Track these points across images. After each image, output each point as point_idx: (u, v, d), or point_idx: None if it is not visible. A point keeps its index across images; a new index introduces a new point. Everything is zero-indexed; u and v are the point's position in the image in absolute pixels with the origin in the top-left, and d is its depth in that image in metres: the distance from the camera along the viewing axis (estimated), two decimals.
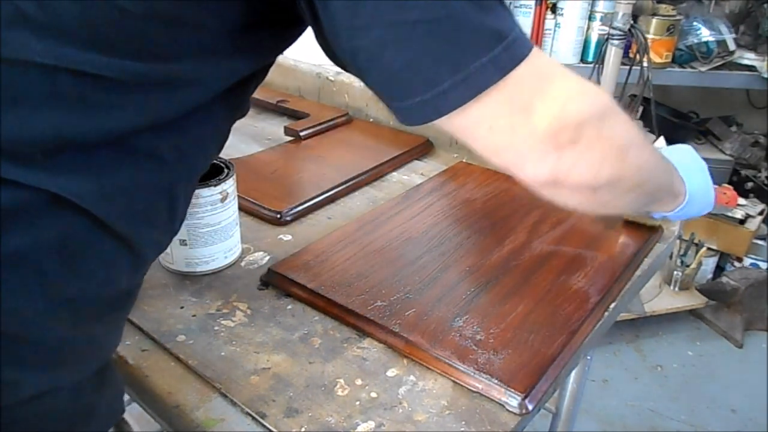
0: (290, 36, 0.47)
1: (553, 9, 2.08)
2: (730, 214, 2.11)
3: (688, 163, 0.64)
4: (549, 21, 2.08)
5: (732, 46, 2.16)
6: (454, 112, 0.41)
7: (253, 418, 0.51)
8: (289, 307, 0.64)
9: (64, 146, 0.38)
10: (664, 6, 2.09)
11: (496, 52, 0.39)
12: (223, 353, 0.58)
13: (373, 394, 0.54)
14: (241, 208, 0.75)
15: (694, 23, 2.14)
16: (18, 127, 0.36)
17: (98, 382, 0.46)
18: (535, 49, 0.42)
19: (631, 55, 1.92)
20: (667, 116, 2.39)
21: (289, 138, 1.04)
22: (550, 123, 0.42)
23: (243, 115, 0.51)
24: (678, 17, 2.08)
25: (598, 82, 1.77)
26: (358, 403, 0.53)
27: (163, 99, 0.40)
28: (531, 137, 0.43)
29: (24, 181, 0.37)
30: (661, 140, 1.28)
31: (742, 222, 2.11)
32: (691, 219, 0.73)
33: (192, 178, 0.49)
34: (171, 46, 0.39)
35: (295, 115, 1.13)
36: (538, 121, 0.42)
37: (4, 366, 0.37)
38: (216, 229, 0.67)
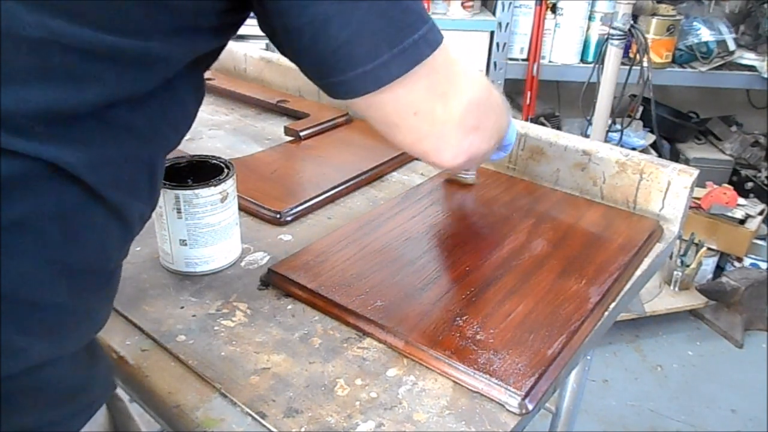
0: (244, 18, 0.50)
1: (553, 9, 2.08)
2: (730, 214, 2.11)
3: None
4: (549, 21, 2.08)
5: (732, 46, 2.16)
6: (386, 95, 0.45)
7: (253, 418, 0.51)
8: (289, 307, 0.65)
9: (55, 118, 0.39)
10: (664, 6, 2.09)
11: (423, 31, 0.44)
12: (223, 353, 0.58)
13: (373, 394, 0.54)
14: (241, 208, 0.75)
15: (694, 23, 2.14)
16: (13, 101, 0.37)
17: (90, 356, 0.47)
18: (444, 39, 0.47)
19: (631, 55, 1.93)
20: (667, 116, 2.39)
21: (289, 138, 1.04)
22: (460, 109, 0.49)
23: (203, 96, 0.53)
24: (678, 17, 2.08)
25: (598, 82, 1.77)
26: (358, 403, 0.53)
27: (137, 74, 0.42)
28: (449, 124, 0.49)
29: (22, 151, 0.38)
30: None
31: (742, 222, 2.11)
32: (496, 156, 0.78)
33: (167, 152, 0.50)
34: (146, 23, 0.41)
35: (295, 115, 1.13)
36: (452, 108, 0.49)
37: (13, 333, 0.38)
38: (216, 229, 0.67)
